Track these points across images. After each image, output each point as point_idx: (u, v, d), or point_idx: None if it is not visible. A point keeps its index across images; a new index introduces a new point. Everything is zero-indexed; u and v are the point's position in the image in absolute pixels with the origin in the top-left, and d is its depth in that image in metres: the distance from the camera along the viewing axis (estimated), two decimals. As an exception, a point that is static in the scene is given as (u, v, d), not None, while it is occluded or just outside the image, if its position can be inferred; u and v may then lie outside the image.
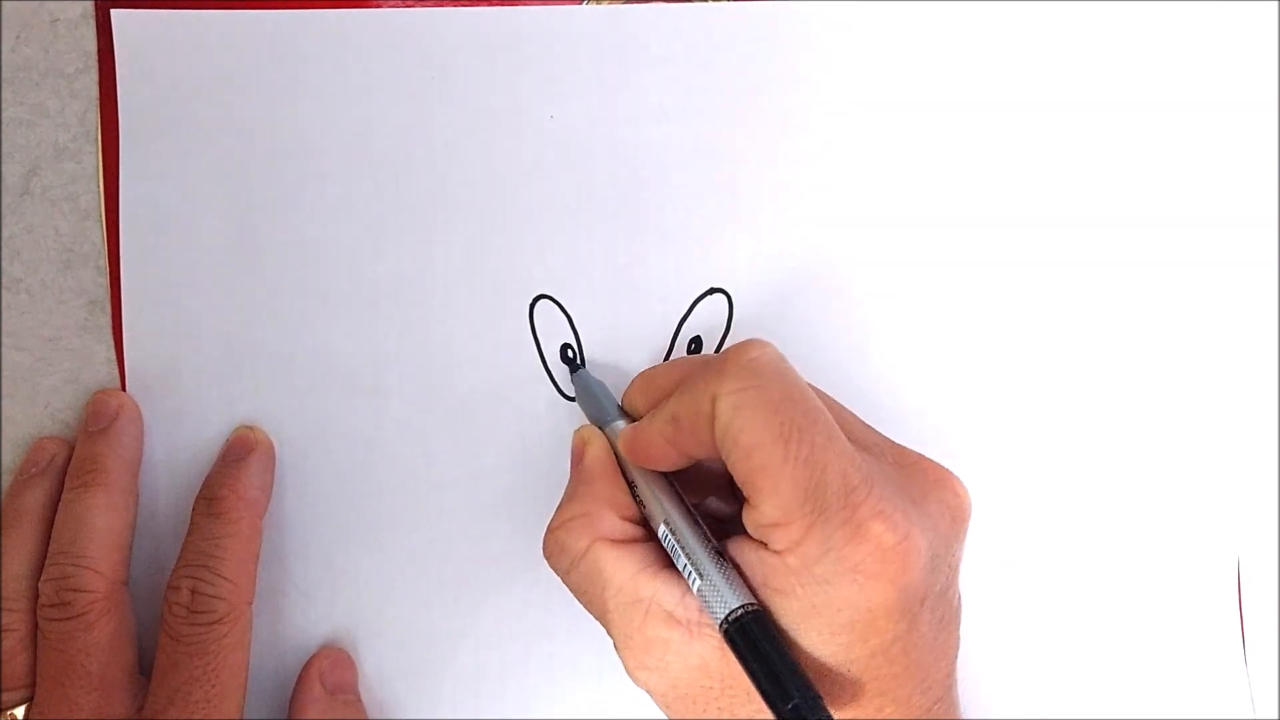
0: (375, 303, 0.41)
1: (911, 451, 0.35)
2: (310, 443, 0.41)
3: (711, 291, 0.41)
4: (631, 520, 0.36)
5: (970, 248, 0.41)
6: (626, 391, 0.39)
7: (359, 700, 0.41)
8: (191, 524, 0.39)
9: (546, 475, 0.41)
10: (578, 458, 0.38)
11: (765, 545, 0.32)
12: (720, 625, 0.32)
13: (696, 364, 0.37)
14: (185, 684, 0.37)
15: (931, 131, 0.41)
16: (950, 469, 0.35)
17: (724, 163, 0.41)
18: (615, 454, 0.37)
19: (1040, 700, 0.42)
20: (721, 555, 0.34)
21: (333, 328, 0.41)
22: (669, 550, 0.35)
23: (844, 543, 0.31)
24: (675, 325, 0.41)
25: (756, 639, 0.32)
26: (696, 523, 0.35)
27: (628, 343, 0.41)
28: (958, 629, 0.34)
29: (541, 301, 0.41)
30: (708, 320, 0.41)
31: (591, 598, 0.35)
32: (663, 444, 0.35)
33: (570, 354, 0.41)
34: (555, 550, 0.36)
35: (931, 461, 0.35)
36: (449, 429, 0.41)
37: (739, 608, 0.32)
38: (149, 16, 0.40)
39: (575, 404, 0.41)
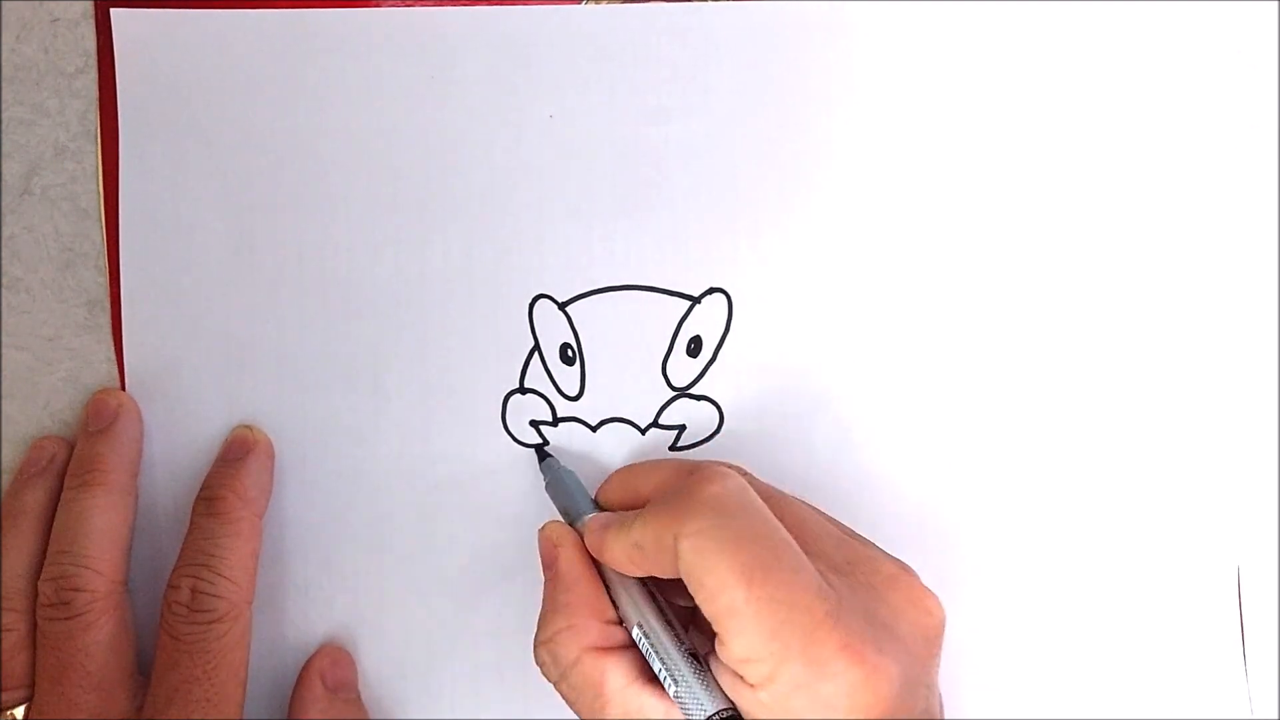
0: (375, 303, 0.41)
1: (887, 563, 0.34)
2: (310, 442, 0.41)
3: (711, 291, 0.41)
4: (615, 623, 0.36)
5: (970, 247, 0.41)
6: (603, 486, 0.39)
7: (359, 699, 0.41)
8: (191, 524, 0.39)
9: (546, 475, 0.41)
10: (550, 561, 0.37)
11: (741, 676, 0.33)
12: None
13: (670, 475, 0.37)
14: (185, 683, 0.37)
15: (932, 131, 0.41)
16: (928, 587, 0.34)
17: (724, 163, 0.41)
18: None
19: (1043, 702, 0.42)
20: (697, 658, 0.34)
21: (333, 328, 0.41)
22: (644, 653, 0.35)
23: (813, 680, 0.31)
24: (675, 325, 0.41)
25: None
26: (670, 624, 0.35)
27: (628, 343, 0.41)
28: None
29: (541, 301, 0.41)
30: (708, 320, 0.41)
31: (583, 706, 0.35)
32: (627, 562, 0.35)
33: (567, 356, 0.41)
34: (546, 661, 0.36)
35: (906, 577, 0.34)
36: (448, 429, 0.41)
37: (715, 713, 0.33)
38: (149, 16, 0.40)
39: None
